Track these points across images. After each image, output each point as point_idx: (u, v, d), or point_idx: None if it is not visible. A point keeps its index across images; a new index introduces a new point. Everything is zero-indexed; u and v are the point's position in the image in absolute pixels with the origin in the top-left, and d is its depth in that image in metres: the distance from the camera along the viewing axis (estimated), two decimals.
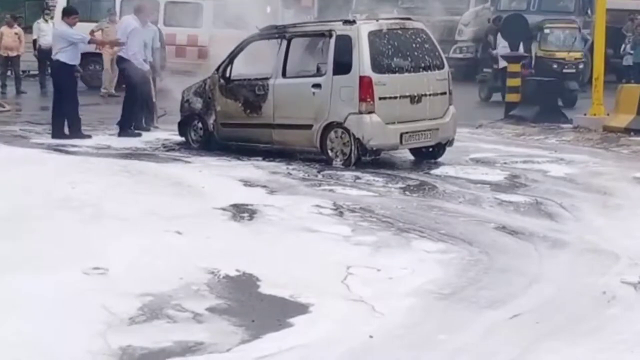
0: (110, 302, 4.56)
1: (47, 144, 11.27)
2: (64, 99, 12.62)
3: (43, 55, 21.01)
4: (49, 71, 17.97)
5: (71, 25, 12.78)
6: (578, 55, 18.46)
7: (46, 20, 22.99)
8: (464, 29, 21.37)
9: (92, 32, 16.69)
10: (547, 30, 18.43)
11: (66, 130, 12.40)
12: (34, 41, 22.92)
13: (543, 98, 14.14)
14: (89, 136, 12.19)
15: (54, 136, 12.43)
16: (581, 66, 18.43)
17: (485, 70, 18.81)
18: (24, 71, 24.71)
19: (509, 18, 17.38)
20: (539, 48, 18.51)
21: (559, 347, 4.17)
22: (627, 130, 11.72)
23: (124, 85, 13.87)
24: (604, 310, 4.68)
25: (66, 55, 12.28)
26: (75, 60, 12.74)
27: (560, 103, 14.79)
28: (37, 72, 24.89)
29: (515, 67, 14.75)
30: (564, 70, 17.61)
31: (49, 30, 20.44)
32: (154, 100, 12.48)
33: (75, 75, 13.85)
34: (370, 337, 4.02)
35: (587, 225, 7.38)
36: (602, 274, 5.61)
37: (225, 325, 4.43)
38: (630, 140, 11.85)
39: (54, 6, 25.59)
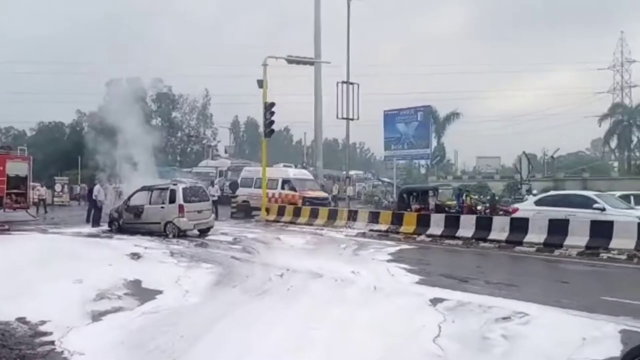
0: (85, 293, 8.04)
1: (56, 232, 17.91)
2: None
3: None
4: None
5: None
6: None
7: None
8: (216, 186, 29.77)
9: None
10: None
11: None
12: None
13: (245, 210, 25.42)
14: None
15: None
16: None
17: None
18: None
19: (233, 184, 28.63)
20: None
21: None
22: (273, 221, 22.61)
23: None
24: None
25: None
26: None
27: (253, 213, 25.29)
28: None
29: (235, 198, 26.36)
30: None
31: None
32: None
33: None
34: (187, 291, 8.12)
35: (262, 255, 12.74)
36: (268, 270, 10.44)
37: (132, 300, 7.82)
38: (276, 225, 21.59)
39: None
